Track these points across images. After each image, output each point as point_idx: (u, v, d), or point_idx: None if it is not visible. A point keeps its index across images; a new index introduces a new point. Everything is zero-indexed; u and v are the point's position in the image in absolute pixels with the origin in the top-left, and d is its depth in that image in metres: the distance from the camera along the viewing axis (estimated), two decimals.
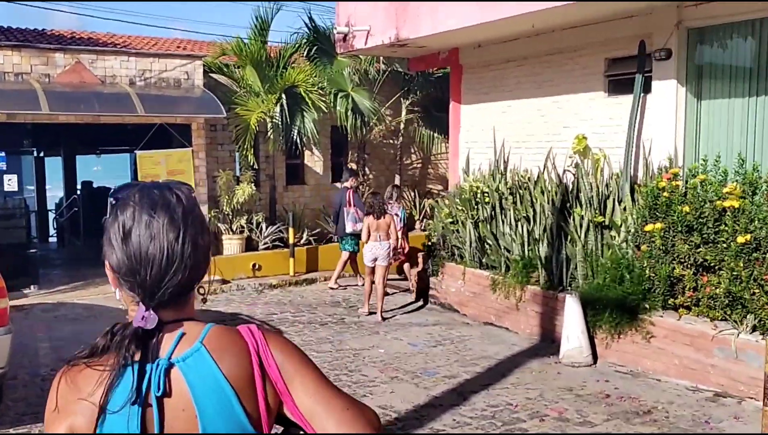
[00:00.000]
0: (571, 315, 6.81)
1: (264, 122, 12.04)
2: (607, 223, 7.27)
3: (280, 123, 11.82)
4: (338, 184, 13.73)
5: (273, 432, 1.33)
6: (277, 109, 11.76)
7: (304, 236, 12.53)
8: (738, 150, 6.66)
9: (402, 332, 8.25)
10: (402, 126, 13.90)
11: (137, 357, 1.24)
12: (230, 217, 11.82)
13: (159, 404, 1.22)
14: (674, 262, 6.42)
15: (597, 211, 7.36)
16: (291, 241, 11.89)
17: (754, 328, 5.85)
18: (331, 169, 13.82)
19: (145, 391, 1.22)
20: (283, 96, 11.73)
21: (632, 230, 6.90)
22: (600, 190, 7.49)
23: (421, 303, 9.91)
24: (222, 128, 12.34)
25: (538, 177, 8.50)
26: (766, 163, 6.49)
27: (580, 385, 6.21)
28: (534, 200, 8.24)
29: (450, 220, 9.47)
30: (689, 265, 6.33)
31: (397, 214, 10.26)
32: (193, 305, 1.36)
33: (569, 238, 7.56)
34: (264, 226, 12.13)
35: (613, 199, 7.31)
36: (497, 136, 9.44)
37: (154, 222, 1.27)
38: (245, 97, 11.82)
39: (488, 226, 8.73)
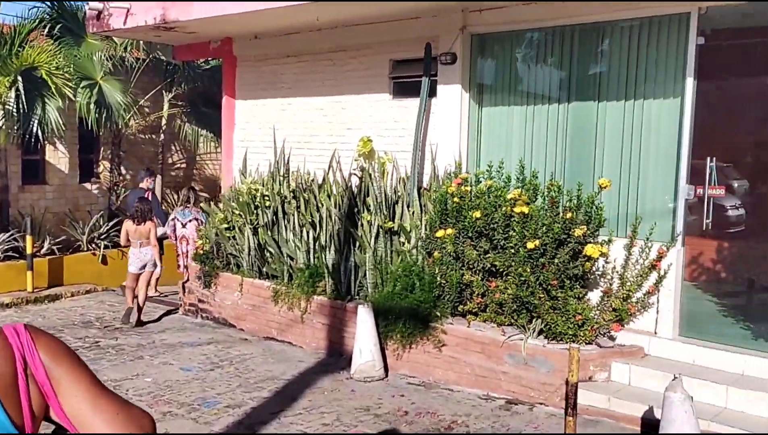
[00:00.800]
0: (364, 327, 6.40)
1: None
2: (396, 228, 7.01)
3: (15, 111, 9.93)
4: (88, 185, 12.06)
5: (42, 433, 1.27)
6: (12, 94, 9.87)
7: (46, 245, 10.71)
8: (519, 156, 6.79)
9: (171, 355, 7.22)
10: (164, 121, 12.60)
11: None
12: None
13: None
14: (464, 268, 6.32)
15: (386, 217, 7.07)
16: (29, 250, 10.05)
17: (540, 332, 5.93)
18: (80, 167, 12.05)
19: None
20: (19, 79, 9.87)
21: (422, 236, 6.71)
22: (388, 194, 7.22)
23: (190, 318, 8.90)
24: None
25: (324, 180, 8.02)
26: (544, 170, 6.68)
27: (377, 402, 5.81)
28: (320, 205, 7.74)
29: (225, 225, 8.61)
30: (478, 271, 6.27)
31: (197, 219, 9.70)
32: None
33: (358, 244, 7.18)
34: None
35: (402, 204, 7.08)
36: (277, 135, 8.79)
37: None
38: None
39: (269, 233, 8.05)
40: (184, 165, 13.72)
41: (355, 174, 7.74)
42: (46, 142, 11.22)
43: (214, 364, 6.89)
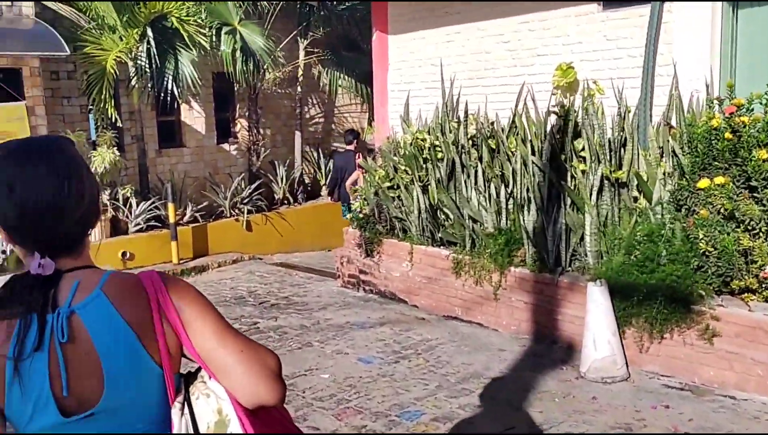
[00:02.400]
0: (598, 311, 4.86)
1: (125, 66, 9.18)
2: (626, 179, 5.35)
3: (147, 66, 9.01)
4: (226, 146, 11.14)
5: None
6: (143, 48, 8.94)
7: (188, 212, 9.89)
8: None
9: (343, 340, 6.02)
10: (300, 72, 11.41)
11: (38, 306, 1.25)
12: None
13: (63, 350, 1.25)
14: (739, 229, 4.60)
15: (611, 164, 5.42)
16: (172, 219, 9.24)
17: None
18: (216, 127, 11.13)
19: (49, 338, 1.25)
20: (149, 31, 8.91)
21: (671, 188, 5.02)
22: (610, 135, 5.54)
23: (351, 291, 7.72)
24: (68, 76, 9.33)
25: (512, 122, 6.44)
26: None
27: (636, 417, 4.28)
28: (510, 153, 6.20)
29: (388, 184, 7.26)
30: (762, 233, 4.54)
31: None
32: (88, 254, 1.37)
33: (569, 201, 5.60)
34: (134, 202, 9.36)
35: (633, 147, 5.39)
36: (442, 73, 7.27)
37: (37, 173, 1.28)
38: (97, 32, 8.87)
39: (444, 191, 6.61)
40: (322, 119, 12.54)
41: (553, 111, 6.10)
42: (180, 100, 10.33)
43: (397, 354, 5.62)
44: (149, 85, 9.17)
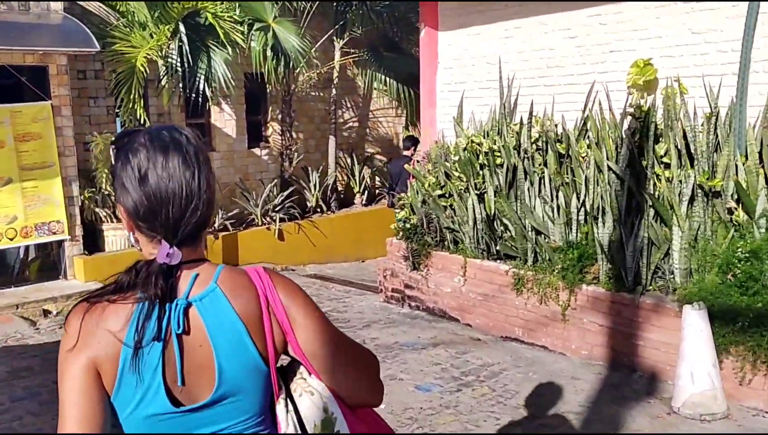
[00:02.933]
0: (697, 338, 4.25)
1: (154, 65, 8.72)
2: (720, 189, 4.74)
3: (178, 65, 8.55)
4: (257, 150, 10.66)
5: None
6: (174, 45, 8.48)
7: (218, 220, 9.39)
8: None
9: (395, 363, 5.45)
10: (336, 73, 10.90)
11: (160, 295, 1.26)
12: (112, 199, 8.50)
13: (178, 341, 1.26)
14: None
15: (705, 172, 4.82)
16: None
17: None
18: (247, 131, 10.64)
19: (166, 328, 1.25)
20: (182, 27, 8.45)
21: None
22: (706, 138, 4.93)
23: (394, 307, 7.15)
24: (95, 75, 8.89)
25: (584, 124, 5.86)
26: None
27: None
28: (580, 159, 5.61)
29: (439, 191, 6.71)
30: None
31: None
32: (203, 247, 1.37)
33: (652, 213, 5.00)
34: None
35: (730, 152, 4.78)
36: (499, 71, 6.71)
37: (169, 162, 1.28)
38: (126, 29, 8.43)
39: (504, 199, 6.04)
40: (356, 123, 12.02)
41: (630, 113, 5.51)
42: (211, 102, 9.86)
43: (457, 381, 5.04)
44: (180, 85, 8.70)
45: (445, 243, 6.77)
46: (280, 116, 10.84)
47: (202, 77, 8.77)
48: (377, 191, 11.67)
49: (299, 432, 1.35)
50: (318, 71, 10.44)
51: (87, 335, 1.26)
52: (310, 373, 1.37)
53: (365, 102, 11.96)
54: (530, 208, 5.84)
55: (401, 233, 7.22)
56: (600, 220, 5.28)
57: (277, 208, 10.00)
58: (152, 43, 8.19)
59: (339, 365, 1.37)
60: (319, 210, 10.77)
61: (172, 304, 1.27)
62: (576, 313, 5.42)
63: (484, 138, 6.49)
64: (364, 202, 11.44)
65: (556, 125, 6.10)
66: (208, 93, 8.84)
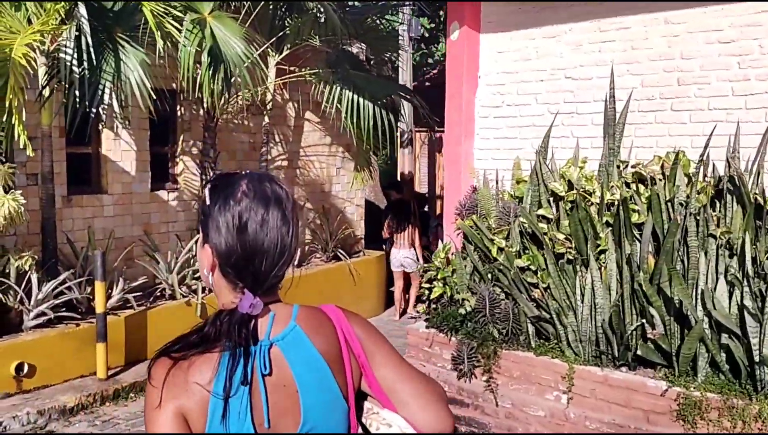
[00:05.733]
0: None
1: (31, 65, 5.72)
2: None
3: (73, 63, 5.63)
4: (163, 193, 7.86)
5: None
6: (70, 35, 5.60)
7: (115, 293, 6.44)
8: None
9: None
10: (269, 97, 8.37)
11: (244, 342, 1.27)
12: None
13: (264, 383, 1.27)
14: None
15: None
16: (100, 307, 5.82)
17: None
18: (151, 166, 7.75)
19: (251, 371, 1.26)
20: (81, 9, 5.60)
21: None
22: None
23: None
24: None
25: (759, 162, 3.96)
26: None
27: None
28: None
29: (521, 262, 4.48)
30: None
31: None
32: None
33: None
34: (35, 280, 5.80)
35: None
36: (610, 87, 4.69)
37: (269, 216, 1.30)
38: None
39: (648, 278, 3.94)
40: (285, 162, 9.46)
41: None
42: (103, 124, 6.95)
43: None
44: (72, 95, 5.75)
45: (518, 338, 4.54)
46: (194, 149, 8.08)
47: (107, 85, 5.91)
48: (307, 248, 9.21)
49: None
50: (253, 91, 7.86)
51: (174, 388, 1.25)
52: (382, 407, 1.39)
53: (296, 136, 9.50)
54: (710, 293, 3.78)
55: (439, 320, 4.87)
56: None
57: (197, 275, 7.19)
58: (36, 28, 5.27)
59: (416, 397, 1.38)
60: None
61: (256, 347, 1.27)
62: None
63: (598, 184, 4.39)
64: (297, 260, 8.88)
65: (732, 160, 4.14)
66: (116, 108, 6.00)
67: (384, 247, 9.70)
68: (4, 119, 4.84)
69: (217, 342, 1.27)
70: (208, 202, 1.34)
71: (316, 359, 1.30)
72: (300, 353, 1.30)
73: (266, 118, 8.40)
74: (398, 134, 8.41)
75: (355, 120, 7.55)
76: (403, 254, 8.48)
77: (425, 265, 5.28)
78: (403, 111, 8.07)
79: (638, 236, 4.10)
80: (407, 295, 8.93)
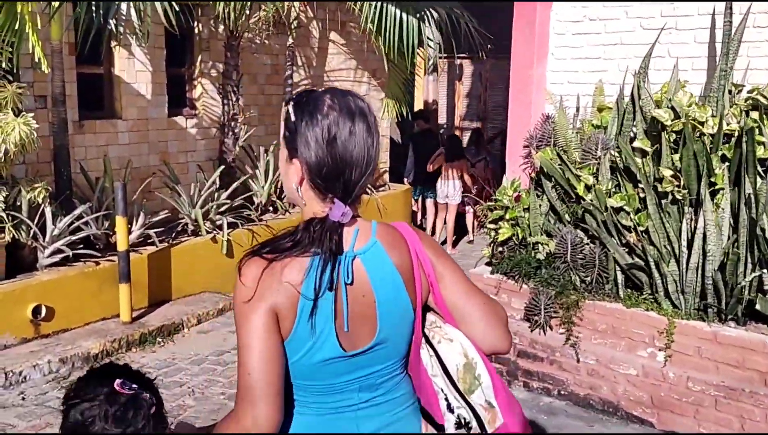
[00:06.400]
0: None
1: None
2: None
3: None
4: (180, 120, 7.23)
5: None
6: None
7: (135, 229, 5.88)
8: None
9: None
10: (294, 13, 7.61)
11: (334, 249, 1.36)
12: None
13: (347, 291, 1.37)
14: None
15: None
16: (123, 245, 5.27)
17: None
18: (168, 89, 7.05)
19: (336, 279, 1.35)
20: None
21: None
22: None
23: None
24: None
25: None
26: None
27: None
28: None
29: (614, 202, 3.91)
30: None
31: (486, 159, 8.86)
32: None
33: None
34: (49, 214, 5.22)
35: None
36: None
37: (356, 128, 1.36)
38: None
39: None
40: (308, 86, 8.75)
41: None
42: (119, 41, 6.25)
43: None
44: (91, 5, 5.01)
45: (607, 288, 4.01)
46: (213, 71, 7.38)
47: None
48: None
49: (443, 374, 1.46)
50: (279, 4, 7.09)
51: (268, 285, 1.33)
52: (444, 322, 1.48)
53: (320, 59, 8.76)
54: None
55: (508, 265, 4.34)
56: None
57: (222, 209, 6.63)
58: None
59: (481, 317, 1.46)
60: (270, 208, 7.51)
61: (342, 256, 1.36)
62: None
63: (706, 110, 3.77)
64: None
65: None
66: (134, 21, 5.30)
67: (405, 180, 9.18)
68: (8, 30, 4.12)
69: (307, 248, 1.34)
70: (293, 119, 1.38)
71: (392, 273, 1.40)
72: (379, 267, 1.39)
73: (290, 39, 7.66)
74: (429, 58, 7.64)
75: (391, 39, 6.83)
76: (450, 186, 8.08)
77: (489, 202, 4.70)
78: (431, 31, 7.29)
79: (761, 173, 3.51)
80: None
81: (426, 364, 1.47)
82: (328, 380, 1.39)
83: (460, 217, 8.82)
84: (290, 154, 1.39)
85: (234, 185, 6.80)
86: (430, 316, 1.49)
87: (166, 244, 6.05)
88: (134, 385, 1.50)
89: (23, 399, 4.22)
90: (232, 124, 7.15)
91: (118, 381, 1.48)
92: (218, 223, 6.51)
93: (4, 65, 4.92)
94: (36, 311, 4.88)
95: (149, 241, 5.96)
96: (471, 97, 12.13)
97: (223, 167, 6.85)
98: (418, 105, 11.93)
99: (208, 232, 6.40)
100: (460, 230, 8.92)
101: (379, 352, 1.40)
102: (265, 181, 7.31)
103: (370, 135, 1.37)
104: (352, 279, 1.36)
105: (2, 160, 4.75)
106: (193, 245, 6.24)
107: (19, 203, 5.12)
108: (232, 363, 4.83)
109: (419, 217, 9.45)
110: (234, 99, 7.11)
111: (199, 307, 5.84)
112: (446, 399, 1.47)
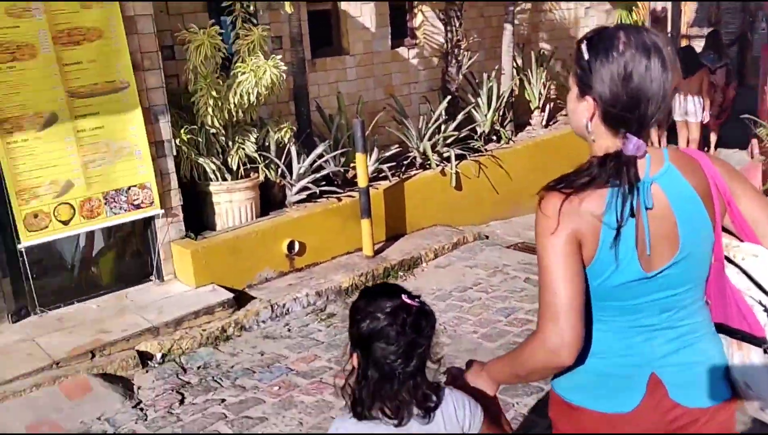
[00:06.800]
0: None
1: None
2: None
3: None
4: (403, 51, 7.13)
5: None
6: None
7: (370, 165, 5.95)
8: None
9: None
10: None
11: (632, 179, 1.42)
12: (225, 139, 5.08)
13: (647, 215, 1.42)
14: None
15: None
16: (363, 181, 5.37)
17: None
18: (390, 22, 6.98)
19: (636, 205, 1.41)
20: None
21: None
22: None
23: None
24: None
25: None
26: None
27: None
28: None
29: None
30: None
31: (727, 65, 8.24)
32: None
33: None
34: (294, 153, 5.43)
35: None
36: None
37: (652, 64, 1.38)
38: None
39: None
40: (527, 5, 8.23)
41: None
42: None
43: None
44: None
45: None
46: (448, 4, 7.11)
47: None
48: (558, 103, 8.15)
49: (756, 287, 1.47)
50: None
51: (570, 216, 1.41)
52: (741, 241, 1.50)
53: None
54: None
55: None
56: None
57: (448, 141, 6.52)
58: None
59: None
60: (494, 138, 7.28)
61: (639, 184, 1.41)
62: None
63: None
64: (544, 122, 7.92)
65: None
66: None
67: None
68: None
69: (604, 181, 1.42)
70: (586, 57, 1.43)
71: (690, 194, 1.45)
72: (677, 189, 1.44)
73: None
74: None
75: None
76: (690, 102, 7.34)
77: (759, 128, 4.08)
78: None
79: None
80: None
81: (733, 279, 1.49)
82: (629, 301, 1.46)
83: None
84: (582, 91, 1.45)
85: (460, 116, 6.64)
86: (724, 239, 1.51)
87: (397, 179, 6.10)
88: (418, 297, 1.59)
89: (289, 331, 4.51)
90: (456, 51, 6.93)
91: (404, 295, 1.56)
92: (445, 155, 6.42)
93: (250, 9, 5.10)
94: (290, 246, 5.16)
95: (381, 175, 6.04)
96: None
97: (449, 98, 6.68)
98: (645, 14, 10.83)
99: (437, 165, 6.35)
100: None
101: (679, 273, 1.45)
102: (488, 109, 7.08)
103: (665, 70, 1.39)
104: (652, 203, 1.41)
105: (254, 103, 4.96)
106: (423, 178, 6.24)
107: (267, 144, 5.37)
108: (477, 301, 4.79)
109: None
110: (457, 24, 6.87)
111: (434, 241, 5.86)
112: (766, 310, 1.47)
